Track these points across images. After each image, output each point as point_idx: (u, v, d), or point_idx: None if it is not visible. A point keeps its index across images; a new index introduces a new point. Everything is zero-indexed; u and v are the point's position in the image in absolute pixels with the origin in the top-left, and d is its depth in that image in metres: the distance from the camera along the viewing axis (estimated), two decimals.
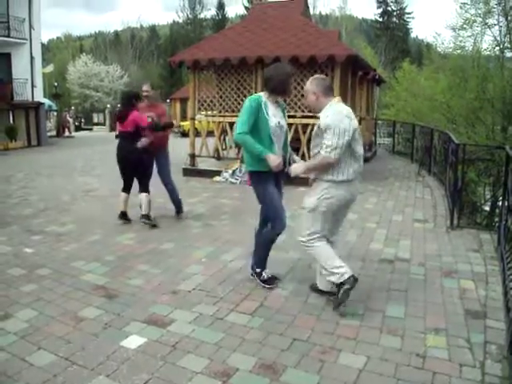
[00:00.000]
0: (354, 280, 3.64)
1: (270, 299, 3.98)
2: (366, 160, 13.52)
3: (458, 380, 2.81)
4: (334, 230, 3.98)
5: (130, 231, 6.17)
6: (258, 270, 4.29)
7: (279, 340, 3.29)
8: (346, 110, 3.69)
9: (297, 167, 3.88)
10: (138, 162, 6.32)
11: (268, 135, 3.95)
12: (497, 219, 6.49)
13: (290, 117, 10.34)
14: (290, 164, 4.08)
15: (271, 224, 4.13)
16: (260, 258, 4.30)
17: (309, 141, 10.35)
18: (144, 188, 6.45)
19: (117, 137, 6.52)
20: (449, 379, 2.81)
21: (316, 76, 3.88)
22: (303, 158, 10.45)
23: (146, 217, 6.36)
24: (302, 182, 8.47)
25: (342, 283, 3.62)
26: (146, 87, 6.60)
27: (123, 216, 6.54)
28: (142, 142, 6.16)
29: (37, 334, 3.38)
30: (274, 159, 3.84)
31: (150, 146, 6.27)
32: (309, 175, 3.85)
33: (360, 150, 3.73)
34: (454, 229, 6.16)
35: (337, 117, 3.55)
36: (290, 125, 10.30)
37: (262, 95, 4.04)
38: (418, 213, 7.17)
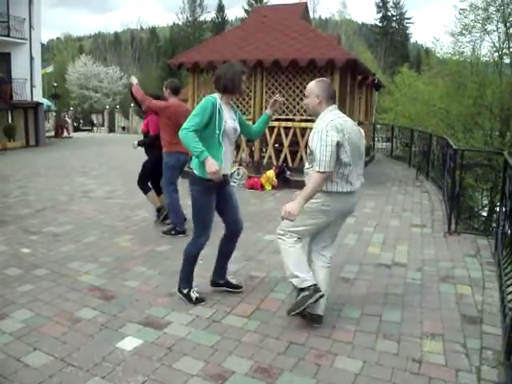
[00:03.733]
0: (314, 290, 3.40)
1: (267, 302, 3.98)
2: (364, 164, 13.56)
3: None
4: (327, 242, 3.70)
5: (127, 233, 6.16)
6: (185, 291, 4.01)
7: (275, 343, 3.29)
8: (340, 119, 3.44)
9: (290, 207, 3.30)
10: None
11: (217, 139, 3.73)
12: (494, 225, 6.49)
13: (288, 120, 10.45)
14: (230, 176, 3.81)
15: (195, 236, 3.99)
16: (186, 275, 4.04)
17: (307, 144, 10.39)
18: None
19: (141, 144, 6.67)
20: None
21: (323, 79, 3.70)
22: (301, 161, 10.48)
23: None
24: (298, 185, 8.43)
25: (302, 289, 3.45)
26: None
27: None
28: None
29: (33, 334, 3.37)
30: (211, 164, 3.55)
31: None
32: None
33: (354, 162, 3.45)
34: (452, 234, 6.17)
35: (324, 127, 3.33)
36: (288, 128, 10.39)
37: (217, 97, 3.82)
38: (415, 218, 7.18)
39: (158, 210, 6.68)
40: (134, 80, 6.20)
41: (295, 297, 3.56)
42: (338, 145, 3.29)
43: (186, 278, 4.02)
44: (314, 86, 3.56)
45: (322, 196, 3.42)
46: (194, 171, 3.77)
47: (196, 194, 3.83)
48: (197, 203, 3.86)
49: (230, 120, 3.83)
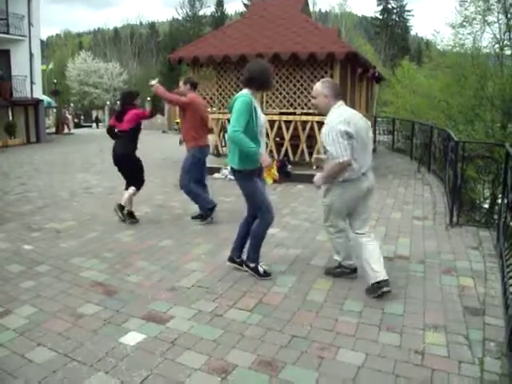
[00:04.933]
0: (354, 271, 4.32)
1: (269, 296, 3.99)
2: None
3: (456, 377, 2.81)
4: (358, 221, 4.10)
5: (128, 228, 6.17)
6: (252, 265, 4.39)
7: (278, 337, 3.30)
8: (347, 113, 3.87)
9: (317, 179, 3.97)
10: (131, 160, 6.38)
11: (256, 134, 4.07)
12: (496, 217, 6.48)
13: (289, 114, 10.43)
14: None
15: (262, 217, 4.31)
16: (254, 253, 4.41)
17: (308, 137, 10.38)
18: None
19: (111, 134, 6.46)
20: (448, 376, 2.81)
21: (327, 79, 4.10)
22: (302, 154, 10.47)
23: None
24: (300, 179, 8.48)
25: (343, 266, 4.32)
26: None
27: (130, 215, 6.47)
28: None
29: (36, 330, 3.38)
30: (266, 159, 4.06)
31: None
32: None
33: (363, 150, 3.88)
34: (454, 226, 6.16)
35: (334, 122, 3.75)
36: (289, 122, 10.37)
37: (249, 94, 4.08)
38: (417, 210, 7.17)
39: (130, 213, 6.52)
40: (153, 82, 6.18)
41: (338, 264, 4.37)
42: (349, 135, 3.69)
43: (254, 255, 4.41)
44: (320, 87, 3.95)
45: (337, 184, 3.93)
46: (238, 167, 4.15)
47: (247, 184, 4.23)
48: (251, 191, 4.26)
49: (261, 116, 4.16)
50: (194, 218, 6.45)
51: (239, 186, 4.30)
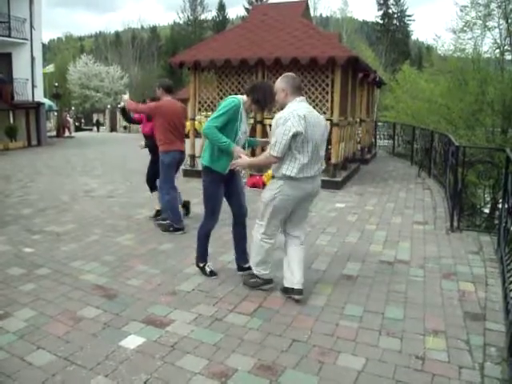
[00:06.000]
0: (267, 281, 4.19)
1: (269, 300, 3.98)
2: (366, 161, 13.56)
3: (457, 382, 2.80)
4: (295, 224, 4.07)
5: (129, 232, 6.17)
6: (201, 265, 4.59)
7: (278, 341, 3.29)
8: (305, 110, 3.72)
9: (240, 161, 3.98)
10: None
11: (233, 139, 4.09)
12: (496, 221, 6.48)
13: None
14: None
15: (206, 220, 4.47)
16: (200, 252, 4.61)
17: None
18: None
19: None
20: (448, 381, 2.81)
21: (287, 74, 3.98)
22: None
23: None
24: None
25: (258, 277, 4.16)
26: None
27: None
28: None
29: (36, 333, 3.37)
30: (238, 150, 4.04)
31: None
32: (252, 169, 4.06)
33: (312, 151, 3.75)
34: (454, 231, 6.16)
35: (286, 115, 3.66)
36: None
37: (242, 101, 4.11)
38: (417, 215, 7.17)
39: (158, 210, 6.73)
40: (125, 97, 6.20)
41: (248, 275, 4.25)
42: (295, 135, 3.61)
43: (201, 254, 4.60)
44: (278, 82, 3.89)
45: (277, 182, 3.84)
46: (208, 165, 4.21)
47: (206, 183, 4.30)
48: (206, 191, 4.32)
49: (244, 124, 4.18)
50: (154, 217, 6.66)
51: (202, 183, 4.35)
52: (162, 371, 2.91)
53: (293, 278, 3.91)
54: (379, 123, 20.21)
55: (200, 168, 11.29)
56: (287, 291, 3.98)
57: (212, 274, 4.52)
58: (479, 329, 3.46)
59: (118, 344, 3.23)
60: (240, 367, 2.96)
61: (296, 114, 3.63)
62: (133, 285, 4.33)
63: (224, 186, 4.34)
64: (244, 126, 4.19)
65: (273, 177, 3.95)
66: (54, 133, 30.23)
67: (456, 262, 4.96)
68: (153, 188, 6.88)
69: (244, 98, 4.15)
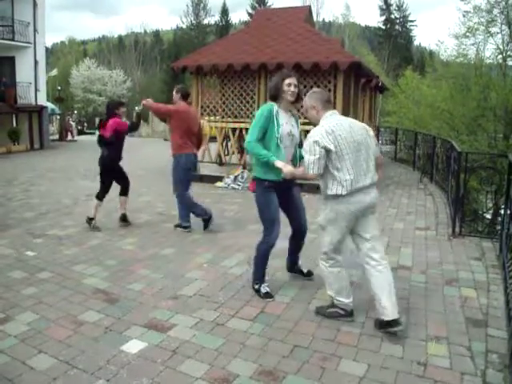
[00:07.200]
0: (349, 314, 3.71)
1: (271, 306, 3.98)
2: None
3: None
4: (366, 242, 3.65)
5: (130, 236, 6.17)
6: (256, 286, 4.23)
7: (280, 346, 3.29)
8: (332, 123, 3.53)
9: (285, 169, 3.83)
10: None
11: (276, 142, 3.99)
12: (498, 227, 6.47)
13: None
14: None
15: (265, 236, 4.16)
16: (257, 271, 4.26)
17: None
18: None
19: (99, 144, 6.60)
20: None
21: (314, 89, 3.90)
22: None
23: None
24: (303, 188, 8.43)
25: (337, 306, 3.71)
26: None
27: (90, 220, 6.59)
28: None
29: (37, 337, 3.38)
30: (280, 164, 3.86)
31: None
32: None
33: (354, 163, 3.48)
34: (456, 237, 6.15)
35: (314, 134, 3.51)
36: None
37: (275, 104, 4.08)
38: (419, 220, 7.16)
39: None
40: (150, 100, 6.36)
41: (331, 303, 3.77)
42: (327, 151, 3.44)
43: (259, 275, 4.25)
44: (307, 100, 3.76)
45: (326, 202, 3.62)
46: (258, 176, 4.10)
47: (258, 194, 4.14)
48: (259, 202, 4.15)
49: (286, 125, 4.07)
50: (176, 226, 6.54)
51: (255, 198, 4.20)
52: (163, 376, 2.91)
53: (383, 309, 3.45)
54: (381, 128, 20.22)
55: (202, 172, 11.32)
56: (380, 325, 3.50)
57: (267, 295, 4.13)
58: (481, 335, 3.45)
59: (120, 348, 3.23)
60: (241, 372, 2.95)
61: (324, 131, 3.47)
62: (134, 289, 4.33)
63: (281, 197, 4.15)
64: (286, 128, 4.06)
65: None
66: (57, 136, 30.32)
67: (458, 268, 4.96)
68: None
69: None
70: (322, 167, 3.48)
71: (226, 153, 12.87)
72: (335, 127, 3.49)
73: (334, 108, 3.83)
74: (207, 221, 6.39)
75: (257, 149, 3.95)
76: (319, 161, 3.45)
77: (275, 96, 4.07)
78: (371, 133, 3.73)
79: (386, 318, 3.42)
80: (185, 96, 6.43)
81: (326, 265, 3.71)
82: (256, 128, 3.98)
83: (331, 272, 3.70)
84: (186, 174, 6.36)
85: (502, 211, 5.97)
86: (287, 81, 4.02)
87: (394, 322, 3.40)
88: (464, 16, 22.30)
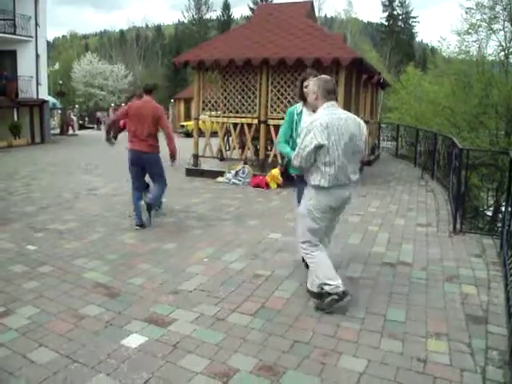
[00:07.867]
0: (343, 294, 3.70)
1: (272, 301, 3.98)
2: (369, 163, 13.53)
3: None
4: (326, 234, 4.05)
5: (132, 230, 6.18)
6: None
7: (280, 342, 3.29)
8: (328, 116, 3.55)
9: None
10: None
11: (295, 139, 4.19)
12: (499, 224, 6.47)
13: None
14: None
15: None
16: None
17: None
18: None
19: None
20: None
21: (320, 76, 3.87)
22: None
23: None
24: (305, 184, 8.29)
25: (331, 293, 3.70)
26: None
27: None
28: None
29: (38, 330, 3.39)
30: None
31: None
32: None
33: (341, 159, 3.57)
34: (457, 233, 6.15)
35: (310, 126, 3.55)
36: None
37: (299, 104, 4.41)
38: (420, 217, 7.16)
39: None
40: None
41: (325, 294, 3.75)
42: (317, 147, 3.51)
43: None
44: (311, 84, 3.85)
45: (310, 192, 3.75)
46: (296, 173, 4.31)
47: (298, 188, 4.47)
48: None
49: (306, 122, 4.09)
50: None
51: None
52: (163, 370, 2.91)
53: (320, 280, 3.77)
54: (383, 125, 20.18)
55: (203, 167, 11.30)
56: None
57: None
58: (481, 332, 3.45)
59: (120, 343, 3.24)
60: (241, 367, 2.96)
61: (319, 124, 3.49)
62: (135, 283, 4.33)
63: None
64: (302, 125, 4.14)
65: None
66: (58, 130, 30.27)
67: (458, 264, 4.96)
68: None
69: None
70: (309, 162, 3.61)
71: (227, 148, 12.86)
72: (330, 121, 3.53)
73: (337, 100, 3.82)
74: (139, 225, 6.33)
75: (283, 148, 4.34)
76: (306, 156, 3.57)
77: (300, 96, 4.39)
78: (364, 130, 3.77)
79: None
80: (146, 91, 6.43)
81: (308, 252, 3.85)
82: (282, 129, 4.44)
83: (315, 256, 3.82)
84: (129, 169, 6.48)
85: (503, 208, 5.96)
86: (305, 83, 4.30)
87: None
88: (466, 13, 22.27)
